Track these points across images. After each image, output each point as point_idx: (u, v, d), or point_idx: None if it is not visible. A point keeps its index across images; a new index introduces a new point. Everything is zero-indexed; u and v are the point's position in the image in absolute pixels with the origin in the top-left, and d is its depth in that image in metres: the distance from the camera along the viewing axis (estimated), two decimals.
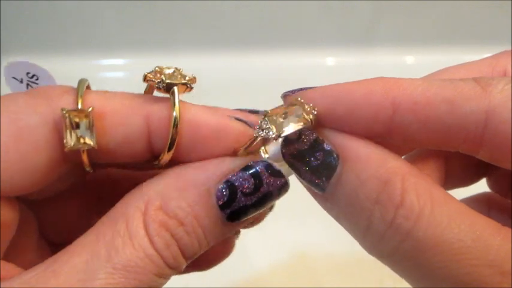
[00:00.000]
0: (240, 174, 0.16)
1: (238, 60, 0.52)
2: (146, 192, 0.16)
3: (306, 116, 0.16)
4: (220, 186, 0.16)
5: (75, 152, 0.16)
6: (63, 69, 0.54)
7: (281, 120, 0.16)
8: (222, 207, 0.16)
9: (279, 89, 0.19)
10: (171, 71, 0.17)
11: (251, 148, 0.17)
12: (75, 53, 0.54)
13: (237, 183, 0.16)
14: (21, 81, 0.31)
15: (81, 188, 0.20)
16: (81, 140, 0.15)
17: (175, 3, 0.50)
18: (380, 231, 0.15)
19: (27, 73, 0.31)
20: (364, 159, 0.15)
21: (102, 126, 0.16)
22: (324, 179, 0.15)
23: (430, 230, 0.14)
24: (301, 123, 0.16)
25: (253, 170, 0.16)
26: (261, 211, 0.16)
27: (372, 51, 0.55)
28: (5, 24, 0.51)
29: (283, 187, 0.16)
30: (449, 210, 0.14)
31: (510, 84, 0.15)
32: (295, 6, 0.52)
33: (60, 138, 0.16)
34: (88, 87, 0.17)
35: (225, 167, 0.16)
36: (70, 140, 0.15)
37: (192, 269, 0.21)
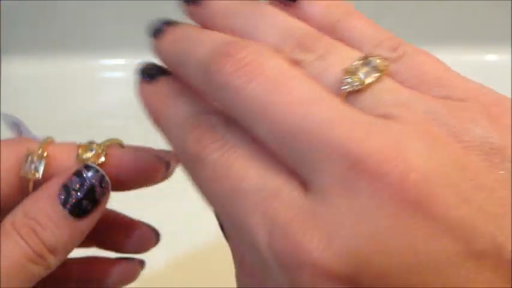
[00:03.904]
0: (71, 176, 0.21)
1: None
2: (15, 210, 0.21)
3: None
4: (60, 190, 0.21)
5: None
6: (63, 69, 0.54)
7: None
8: (63, 205, 0.21)
9: None
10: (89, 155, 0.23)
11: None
12: (75, 53, 0.54)
13: (68, 184, 0.21)
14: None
15: None
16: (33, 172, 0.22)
17: (176, 3, 0.50)
18: None
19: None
20: None
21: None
22: None
23: None
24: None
25: (77, 170, 0.21)
26: (99, 206, 0.21)
27: None
28: (5, 24, 0.51)
29: (102, 179, 0.21)
30: None
31: None
32: None
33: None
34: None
35: (66, 175, 0.21)
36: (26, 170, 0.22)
37: None
